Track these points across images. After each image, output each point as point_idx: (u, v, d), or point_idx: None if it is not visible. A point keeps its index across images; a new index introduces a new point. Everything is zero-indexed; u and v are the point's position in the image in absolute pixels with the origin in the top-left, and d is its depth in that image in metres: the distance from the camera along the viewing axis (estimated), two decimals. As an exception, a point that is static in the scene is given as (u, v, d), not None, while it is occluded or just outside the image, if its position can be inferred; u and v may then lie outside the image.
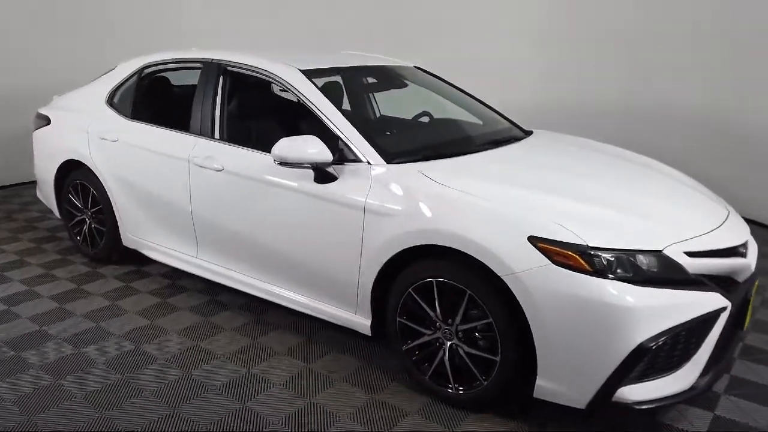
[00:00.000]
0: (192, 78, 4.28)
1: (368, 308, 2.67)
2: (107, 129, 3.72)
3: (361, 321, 2.73)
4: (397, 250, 2.47)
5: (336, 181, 2.67)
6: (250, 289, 3.17)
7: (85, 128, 3.83)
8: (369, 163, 2.64)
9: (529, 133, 3.46)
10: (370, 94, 4.27)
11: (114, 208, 3.77)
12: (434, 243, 2.36)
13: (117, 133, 3.66)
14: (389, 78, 3.59)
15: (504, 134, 3.33)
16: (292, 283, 2.97)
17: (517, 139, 3.26)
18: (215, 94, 3.28)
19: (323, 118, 2.83)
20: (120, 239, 3.87)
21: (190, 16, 7.13)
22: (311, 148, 2.61)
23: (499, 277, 2.21)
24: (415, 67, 3.86)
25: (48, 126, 4.15)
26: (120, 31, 6.66)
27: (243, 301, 3.48)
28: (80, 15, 6.35)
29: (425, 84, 3.76)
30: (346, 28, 6.42)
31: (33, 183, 6.25)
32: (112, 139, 3.65)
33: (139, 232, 3.71)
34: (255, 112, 3.57)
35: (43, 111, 4.29)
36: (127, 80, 3.81)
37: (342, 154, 2.70)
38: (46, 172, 4.20)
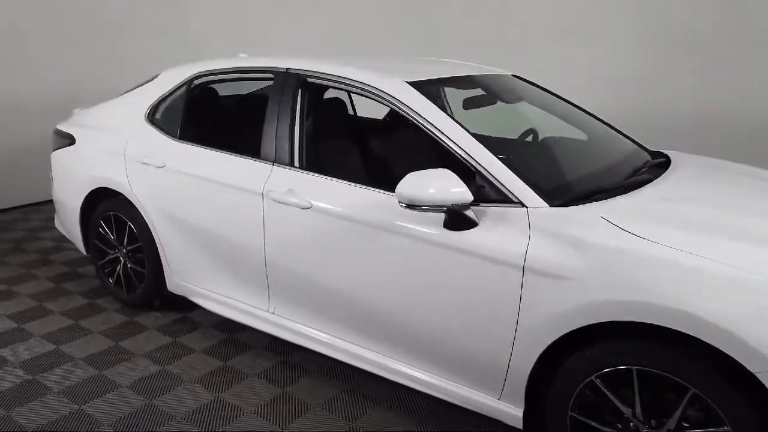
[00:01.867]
0: (243, 90, 3.67)
1: (520, 395, 2.05)
2: (150, 152, 3.07)
3: (508, 410, 2.10)
4: (577, 326, 1.85)
5: (476, 228, 2.05)
6: (342, 354, 2.54)
7: (121, 150, 3.18)
8: (523, 204, 2.02)
9: (657, 155, 2.85)
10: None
11: (158, 247, 3.12)
12: (641, 321, 1.74)
13: (163, 157, 3.01)
14: (500, 90, 2.96)
15: (640, 159, 2.73)
16: (404, 354, 2.34)
17: (663, 165, 2.65)
18: (293, 111, 2.64)
19: (449, 143, 2.20)
20: (164, 283, 3.22)
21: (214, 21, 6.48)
22: (448, 185, 1.99)
23: (749, 372, 1.59)
24: (513, 75, 3.24)
25: (72, 146, 3.49)
26: (131, 35, 6.01)
27: (323, 362, 2.84)
28: (91, 16, 5.69)
29: (526, 96, 3.14)
30: (396, 31, 5.77)
31: (39, 204, 5.62)
32: (157, 165, 3.01)
33: (190, 276, 3.06)
34: (346, 134, 2.94)
35: (64, 128, 3.63)
36: (172, 92, 3.16)
37: (482, 192, 2.08)
38: (69, 200, 3.54)
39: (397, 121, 3.40)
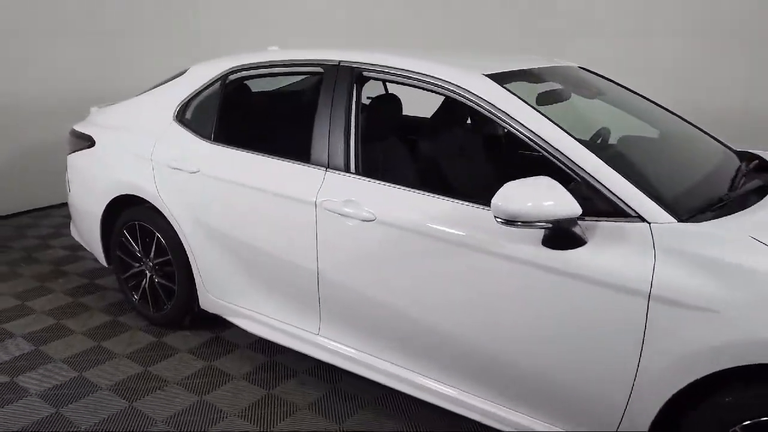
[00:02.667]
0: (273, 86, 3.36)
1: (636, 447, 1.74)
2: (181, 155, 2.76)
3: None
4: (719, 368, 1.54)
5: (585, 246, 1.73)
6: (406, 386, 2.23)
7: (148, 153, 2.87)
8: (643, 219, 1.70)
9: (744, 155, 2.54)
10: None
11: (191, 261, 2.81)
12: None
13: (196, 161, 2.70)
14: (573, 84, 2.64)
15: (734, 161, 2.42)
16: (486, 390, 2.03)
17: (761, 168, 2.34)
18: (348, 109, 2.33)
19: (546, 147, 1.89)
20: (196, 300, 2.92)
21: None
22: (554, 197, 1.68)
23: None
24: (579, 67, 2.92)
25: (91, 148, 3.18)
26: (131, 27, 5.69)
27: (380, 392, 2.54)
28: (92, 14, 5.37)
29: (599, 89, 2.82)
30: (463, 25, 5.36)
31: (48, 209, 5.31)
32: (191, 170, 2.69)
33: (227, 293, 2.75)
34: (409, 135, 2.62)
35: (82, 128, 3.32)
36: (204, 89, 2.84)
37: (588, 204, 1.76)
38: (88, 207, 3.23)
39: (475, 122, 3.09)
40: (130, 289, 3.21)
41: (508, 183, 1.73)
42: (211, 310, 2.88)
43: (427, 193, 2.06)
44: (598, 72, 2.93)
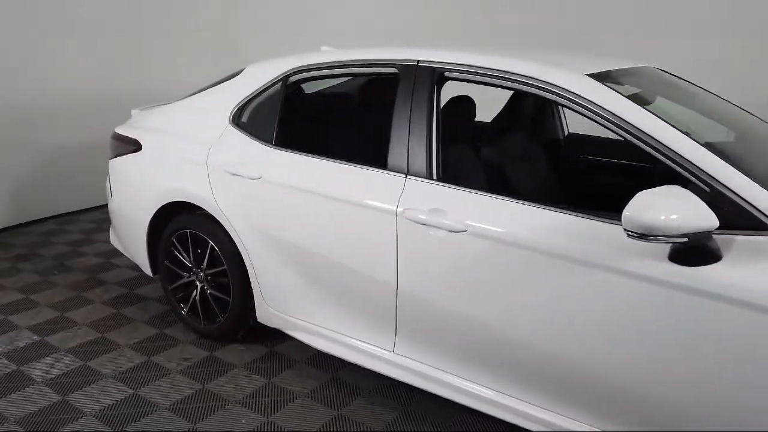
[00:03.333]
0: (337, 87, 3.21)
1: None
2: (240, 161, 2.61)
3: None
4: None
5: (720, 263, 1.58)
6: (499, 410, 2.08)
7: (203, 158, 2.72)
8: (786, 233, 1.56)
9: None
10: (559, 108, 3.21)
11: (250, 272, 2.66)
12: None
13: (257, 167, 2.55)
14: (658, 85, 2.49)
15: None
16: (601, 419, 1.87)
17: None
18: (430, 112, 2.18)
19: (668, 152, 1.74)
20: (252, 313, 2.77)
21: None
22: (690, 208, 1.53)
23: None
24: (655, 68, 2.77)
25: (138, 153, 3.03)
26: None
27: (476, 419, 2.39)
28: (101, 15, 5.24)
29: (672, 93, 2.67)
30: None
31: (73, 214, 5.14)
32: (252, 176, 2.55)
33: (289, 307, 2.60)
34: (496, 139, 2.47)
35: (126, 132, 3.17)
36: (263, 91, 2.70)
37: (722, 215, 1.61)
38: (134, 214, 3.08)
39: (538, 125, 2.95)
40: (177, 300, 3.05)
41: (639, 193, 1.58)
42: (269, 324, 2.73)
43: (527, 203, 1.91)
44: (673, 73, 2.80)
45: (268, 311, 2.68)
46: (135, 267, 3.89)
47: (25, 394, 2.53)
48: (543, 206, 1.88)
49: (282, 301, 2.61)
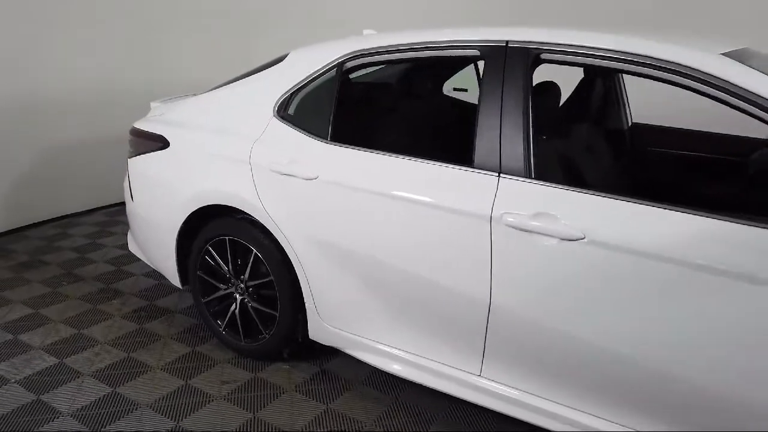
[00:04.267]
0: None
1: None
2: (291, 159, 2.30)
3: None
4: None
5: None
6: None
7: (245, 156, 2.41)
8: None
9: None
10: (625, 96, 2.95)
11: (302, 284, 2.36)
12: None
13: (313, 165, 2.24)
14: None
15: None
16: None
17: None
18: (525, 100, 1.89)
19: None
20: (303, 329, 2.47)
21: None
22: None
23: None
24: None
25: (165, 151, 2.71)
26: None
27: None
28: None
29: None
30: None
31: (73, 216, 4.77)
32: (306, 176, 2.24)
33: (349, 323, 2.31)
34: (591, 130, 2.19)
35: (147, 127, 2.84)
36: (314, 79, 2.38)
37: None
38: (159, 219, 2.76)
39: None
40: (212, 315, 2.74)
41: None
42: (323, 342, 2.43)
43: (664, 207, 1.63)
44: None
45: (323, 327, 2.38)
46: (152, 274, 3.57)
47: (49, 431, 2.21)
48: (670, 207, 1.61)
49: (341, 317, 2.32)
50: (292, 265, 2.38)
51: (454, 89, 3.18)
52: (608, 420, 1.79)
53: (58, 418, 2.27)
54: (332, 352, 2.67)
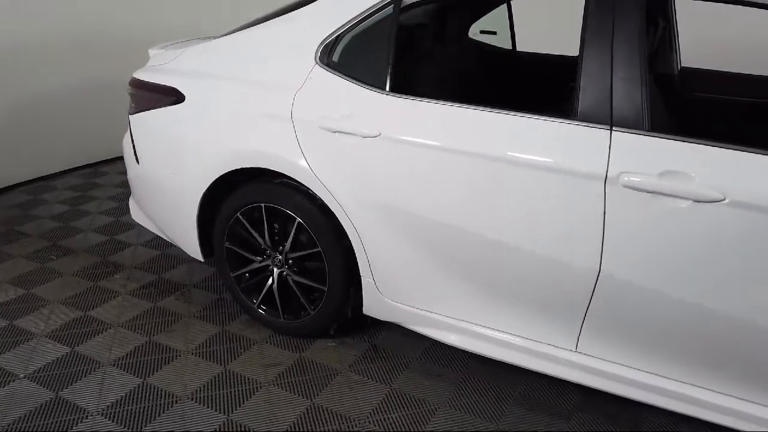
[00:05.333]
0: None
1: None
2: (345, 114, 1.99)
3: None
4: None
5: None
6: (719, 415, 1.67)
7: (285, 111, 2.08)
8: None
9: None
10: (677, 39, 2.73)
11: (359, 254, 2.10)
12: None
13: (373, 121, 1.94)
14: None
15: None
16: None
17: None
18: (640, 39, 1.64)
19: None
20: (352, 304, 2.22)
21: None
22: None
23: None
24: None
25: (178, 106, 2.34)
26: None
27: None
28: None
29: None
30: None
31: (43, 180, 4.30)
32: (366, 134, 1.94)
33: (416, 297, 2.07)
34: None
35: (154, 78, 2.46)
36: (364, 19, 2.05)
37: None
38: (177, 185, 2.41)
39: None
40: (244, 290, 2.45)
41: None
42: (381, 317, 2.19)
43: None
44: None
45: (382, 302, 2.14)
46: (152, 243, 3.23)
47: (81, 433, 1.92)
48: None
49: (407, 291, 2.08)
50: (344, 234, 2.10)
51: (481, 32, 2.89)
52: (736, 397, 1.65)
53: (87, 418, 1.98)
54: (378, 325, 2.45)
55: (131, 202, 2.86)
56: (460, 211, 1.86)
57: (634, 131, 1.61)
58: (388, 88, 1.97)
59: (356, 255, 2.11)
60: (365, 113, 1.96)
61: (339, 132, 1.99)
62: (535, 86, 1.88)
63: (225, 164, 2.23)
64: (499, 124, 1.78)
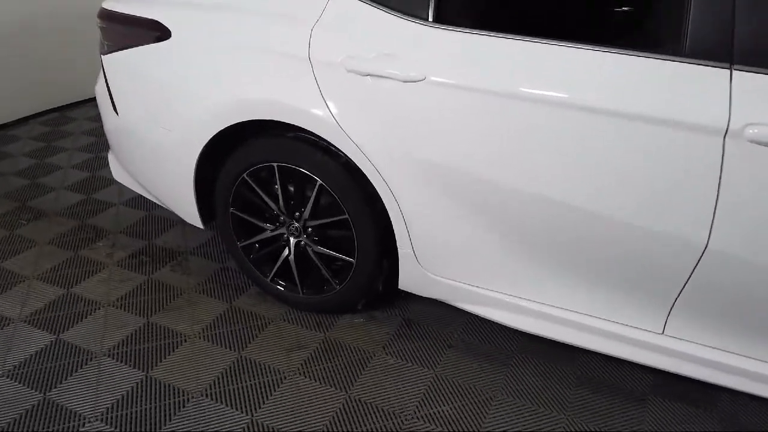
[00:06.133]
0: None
1: None
2: (380, 52, 1.60)
3: None
4: None
5: None
6: None
7: (300, 50, 1.69)
8: None
9: None
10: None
11: (398, 223, 1.77)
12: None
13: (414, 61, 1.56)
14: None
15: None
16: None
17: None
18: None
19: None
20: (385, 277, 1.92)
21: None
22: None
23: None
24: None
25: (164, 43, 1.91)
26: None
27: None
28: None
29: None
30: None
31: (7, 126, 3.81)
32: (407, 77, 1.56)
33: (464, 271, 1.76)
34: None
35: (130, 10, 2.01)
36: (401, -73, 1.62)
37: None
38: (168, 141, 2.02)
39: None
40: (254, 262, 2.12)
41: None
42: (420, 293, 1.89)
43: None
44: None
45: (423, 276, 1.83)
46: (134, 203, 2.87)
47: (78, 446, 1.62)
48: None
49: (454, 263, 1.76)
50: (377, 198, 1.76)
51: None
52: None
53: (83, 426, 1.67)
54: (408, 297, 2.16)
55: (111, 158, 2.46)
56: (530, 172, 1.52)
57: (763, 70, 1.27)
58: (436, 18, 1.58)
59: (392, 222, 1.77)
60: (406, 51, 1.58)
61: (372, 75, 1.61)
62: (629, 16, 1.51)
63: (225, 116, 1.84)
64: (584, 63, 1.42)
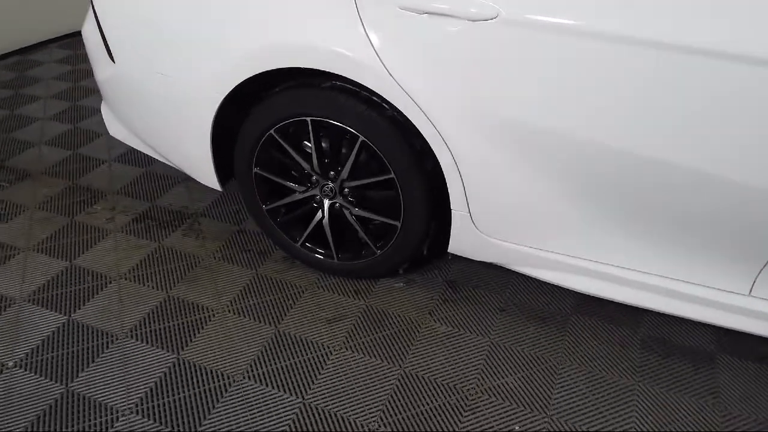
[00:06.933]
0: None
1: None
2: (440, -13, 1.37)
3: None
4: None
5: None
6: None
7: (342, -16, 1.44)
8: None
9: None
10: None
11: (454, 182, 1.58)
12: None
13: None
14: None
15: None
16: None
17: None
18: None
19: None
20: (434, 241, 1.76)
21: None
22: None
23: None
24: None
25: (169, -21, 1.63)
26: None
27: None
28: None
29: None
30: None
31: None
32: (476, 15, 1.34)
33: (527, 233, 1.61)
34: None
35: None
36: None
37: None
38: (178, 93, 1.77)
39: None
40: (282, 227, 1.93)
41: None
42: (475, 257, 1.74)
43: None
44: None
45: (479, 239, 1.67)
46: (127, 158, 2.62)
47: (116, 444, 1.46)
48: None
49: (517, 226, 1.61)
50: (428, 155, 1.57)
51: None
52: None
53: (119, 419, 1.51)
54: (444, 257, 2.01)
55: (104, 111, 2.19)
56: (622, 126, 1.34)
57: None
58: (501, -55, 1.34)
59: (447, 182, 1.59)
60: (471, -15, 1.35)
61: (430, 13, 1.38)
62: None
63: (249, 65, 1.60)
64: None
